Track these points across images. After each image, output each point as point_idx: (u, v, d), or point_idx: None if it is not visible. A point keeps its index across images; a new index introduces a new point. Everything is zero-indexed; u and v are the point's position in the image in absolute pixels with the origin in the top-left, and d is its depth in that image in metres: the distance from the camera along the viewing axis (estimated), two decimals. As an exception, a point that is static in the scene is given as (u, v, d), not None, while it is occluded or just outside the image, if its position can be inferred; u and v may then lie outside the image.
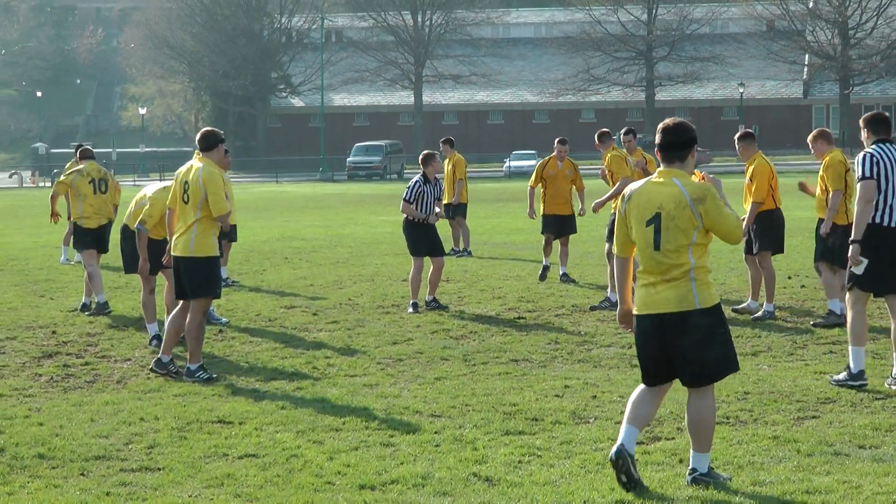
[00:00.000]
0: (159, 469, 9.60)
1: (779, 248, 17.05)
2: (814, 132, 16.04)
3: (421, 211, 18.48)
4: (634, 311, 8.79)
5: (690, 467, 8.75)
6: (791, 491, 8.53)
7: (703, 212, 8.53)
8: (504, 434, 10.46)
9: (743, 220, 17.33)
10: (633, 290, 8.95)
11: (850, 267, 12.22)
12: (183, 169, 13.58)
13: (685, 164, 8.70)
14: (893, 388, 11.88)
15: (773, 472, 9.02)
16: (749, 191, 16.75)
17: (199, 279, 13.23)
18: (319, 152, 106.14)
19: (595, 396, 11.80)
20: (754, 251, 16.99)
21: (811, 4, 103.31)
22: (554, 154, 21.92)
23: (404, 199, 18.55)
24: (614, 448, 8.62)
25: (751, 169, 16.71)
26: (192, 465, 9.68)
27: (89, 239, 19.02)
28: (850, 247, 12.29)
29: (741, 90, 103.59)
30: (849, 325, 12.29)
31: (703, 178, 8.84)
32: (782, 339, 14.90)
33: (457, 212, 27.83)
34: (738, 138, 17.02)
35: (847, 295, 12.43)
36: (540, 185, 21.83)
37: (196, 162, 13.45)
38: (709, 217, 8.54)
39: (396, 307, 18.51)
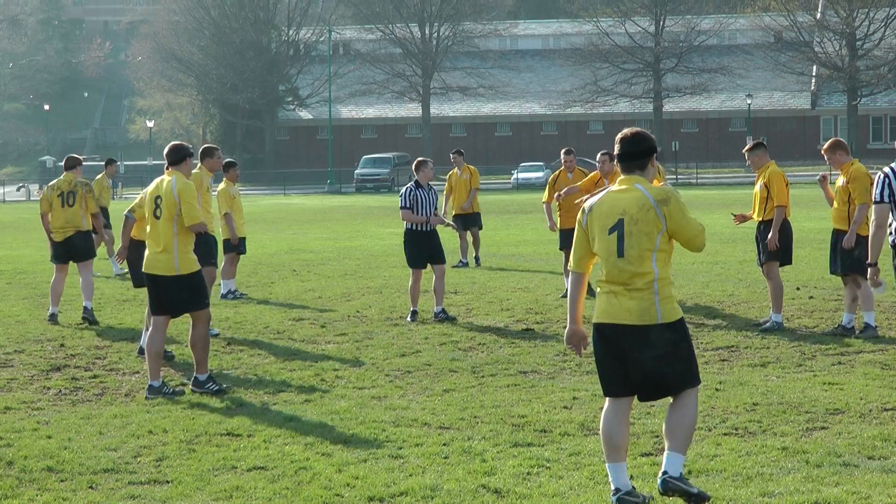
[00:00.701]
0: (168, 482, 9.60)
1: (787, 260, 16.98)
2: (830, 142, 15.84)
3: (419, 215, 18.59)
4: (594, 319, 8.59)
5: (662, 469, 8.49)
6: (800, 502, 8.51)
7: (666, 214, 8.38)
8: (513, 446, 10.45)
9: (741, 215, 17.32)
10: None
11: (871, 288, 12.15)
12: (151, 186, 13.47)
13: (645, 172, 8.57)
14: None
15: (782, 482, 9.01)
16: (760, 200, 16.66)
17: (189, 294, 13.16)
18: (327, 164, 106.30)
19: (602, 408, 11.77)
20: (761, 261, 16.95)
21: (819, 16, 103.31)
22: (563, 167, 21.79)
23: (402, 208, 18.68)
24: (613, 497, 8.47)
25: (764, 177, 16.61)
26: (201, 477, 9.68)
27: (60, 251, 19.26)
28: (868, 269, 12.23)
29: (749, 101, 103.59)
30: None
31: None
32: (791, 350, 14.88)
33: (472, 222, 27.89)
34: (750, 148, 16.87)
35: None
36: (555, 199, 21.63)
37: (166, 176, 13.37)
38: (672, 220, 8.39)
39: (405, 319, 18.51)
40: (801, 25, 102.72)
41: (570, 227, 21.03)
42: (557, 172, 21.86)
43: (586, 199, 9.23)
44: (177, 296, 13.16)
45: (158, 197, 13.23)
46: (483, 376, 13.75)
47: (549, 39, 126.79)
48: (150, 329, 13.43)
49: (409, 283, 18.74)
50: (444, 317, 18.36)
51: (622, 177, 8.62)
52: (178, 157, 13.39)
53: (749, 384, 12.78)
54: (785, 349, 14.99)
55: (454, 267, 26.67)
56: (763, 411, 11.48)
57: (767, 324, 16.58)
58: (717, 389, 12.45)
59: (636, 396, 8.63)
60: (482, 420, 11.47)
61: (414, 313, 18.50)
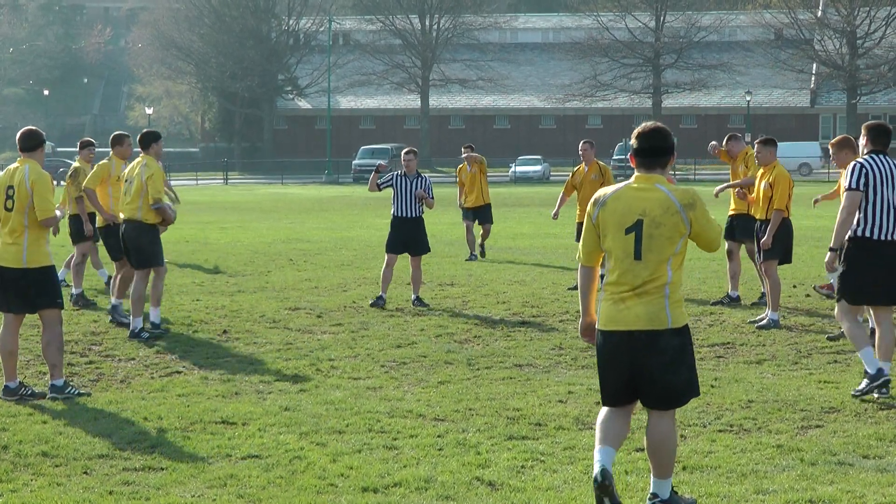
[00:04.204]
0: (162, 469, 9.60)
1: (786, 258, 16.96)
2: (839, 140, 14.53)
3: (399, 202, 19.38)
4: (599, 327, 8.19)
5: (651, 492, 8.25)
6: (794, 500, 8.51)
7: (692, 218, 8.04)
8: (507, 438, 10.45)
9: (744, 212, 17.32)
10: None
11: (827, 273, 12.24)
12: (4, 175, 12.64)
13: (665, 171, 8.24)
14: (875, 395, 11.91)
15: (777, 480, 9.01)
16: (764, 199, 16.65)
17: (37, 290, 12.36)
18: (325, 155, 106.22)
19: (598, 402, 11.77)
20: (759, 260, 16.93)
21: (820, 13, 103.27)
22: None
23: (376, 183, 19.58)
24: (597, 468, 8.00)
25: (770, 175, 16.57)
26: (196, 465, 9.68)
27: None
28: (827, 254, 12.34)
29: (748, 98, 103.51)
30: (847, 334, 12.28)
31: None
32: (787, 348, 14.89)
33: (483, 215, 27.80)
34: (761, 143, 16.73)
35: (836, 308, 12.36)
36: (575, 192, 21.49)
37: (19, 165, 12.58)
38: (697, 224, 8.05)
39: (400, 310, 18.52)
40: (801, 23, 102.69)
41: (580, 221, 21.04)
42: (578, 166, 21.62)
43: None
44: (22, 290, 12.33)
45: (10, 187, 12.38)
46: (478, 369, 13.76)
47: (549, 33, 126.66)
48: (2, 328, 12.64)
49: (382, 267, 19.30)
50: (419, 304, 18.77)
51: (640, 174, 8.22)
52: (32, 143, 12.55)
53: (744, 381, 12.78)
54: (781, 347, 15.00)
55: (466, 260, 26.61)
56: (758, 409, 11.48)
57: (764, 321, 16.58)
58: (712, 386, 12.45)
59: (641, 403, 8.23)
60: (477, 412, 11.47)
61: (379, 298, 18.89)
